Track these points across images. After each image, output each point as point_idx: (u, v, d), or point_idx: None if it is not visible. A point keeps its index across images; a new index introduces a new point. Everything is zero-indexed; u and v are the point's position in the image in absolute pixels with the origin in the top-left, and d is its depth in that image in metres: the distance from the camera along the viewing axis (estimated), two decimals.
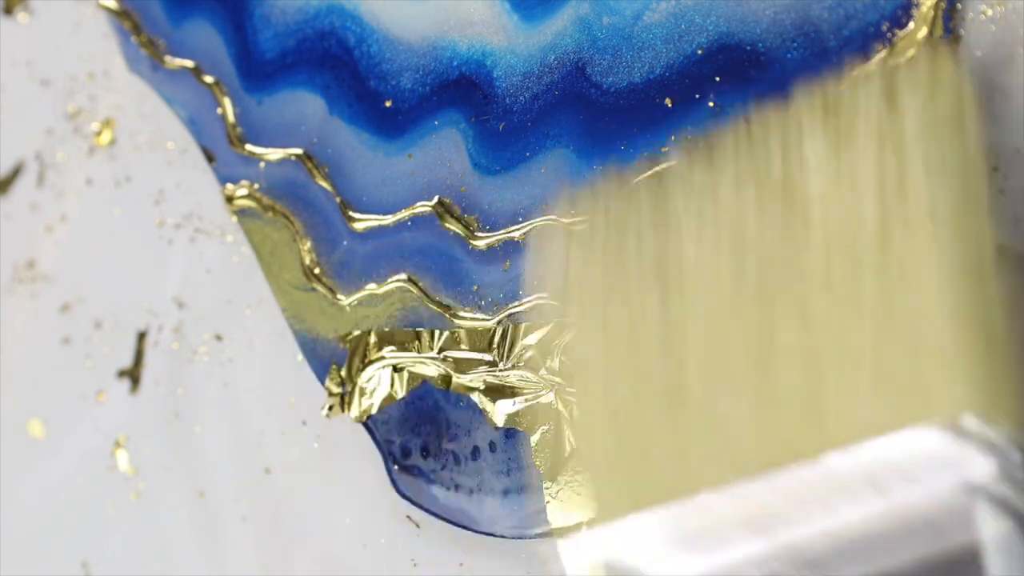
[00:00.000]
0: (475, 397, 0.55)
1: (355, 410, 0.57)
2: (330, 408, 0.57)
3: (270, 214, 0.59)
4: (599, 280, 0.48)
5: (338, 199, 0.58)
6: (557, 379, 0.53)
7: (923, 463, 0.42)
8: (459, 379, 0.55)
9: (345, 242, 0.58)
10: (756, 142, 0.46)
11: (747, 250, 0.45)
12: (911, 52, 0.47)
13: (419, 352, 0.56)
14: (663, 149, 0.52)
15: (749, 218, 0.45)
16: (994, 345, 0.42)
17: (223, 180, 0.60)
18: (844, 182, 0.44)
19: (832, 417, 0.43)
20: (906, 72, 0.45)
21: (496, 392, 0.55)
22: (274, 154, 0.59)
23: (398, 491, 0.56)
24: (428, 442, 0.56)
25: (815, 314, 0.43)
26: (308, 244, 0.59)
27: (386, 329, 0.57)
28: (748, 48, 0.51)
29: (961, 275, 0.42)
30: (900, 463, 0.42)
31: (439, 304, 0.56)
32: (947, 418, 0.42)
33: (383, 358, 0.57)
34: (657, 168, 0.50)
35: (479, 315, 0.55)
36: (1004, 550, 0.41)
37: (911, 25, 0.49)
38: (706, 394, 0.45)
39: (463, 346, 0.55)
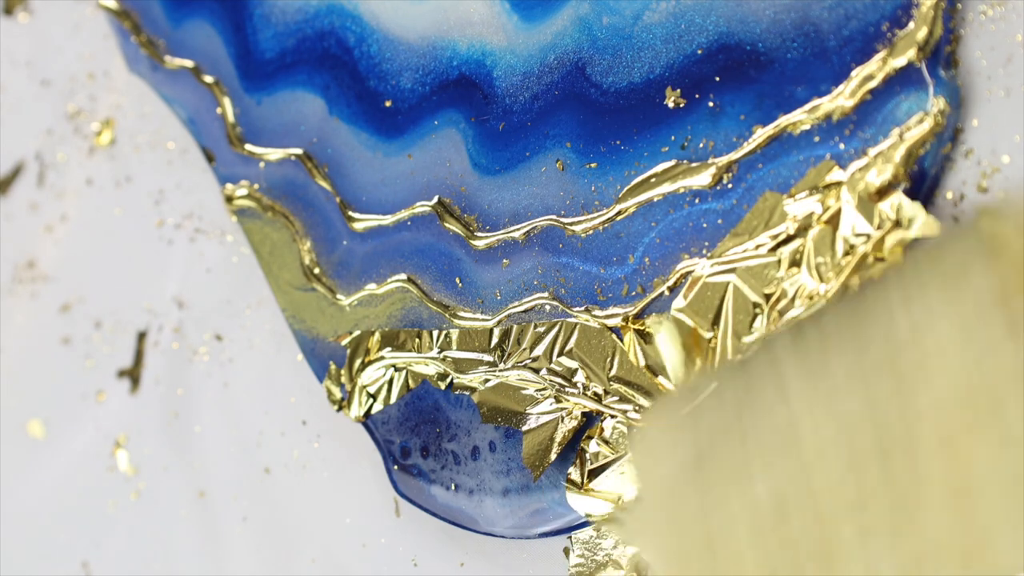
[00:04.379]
0: (475, 397, 0.55)
1: (355, 410, 0.57)
2: (339, 409, 0.57)
3: (270, 214, 0.59)
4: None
5: (338, 199, 0.58)
6: (558, 379, 0.53)
7: None
8: (459, 379, 0.55)
9: (345, 242, 0.58)
10: None
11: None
12: None
13: (419, 352, 0.56)
14: (663, 149, 0.52)
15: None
16: None
17: (223, 180, 0.60)
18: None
19: None
20: None
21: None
22: (274, 154, 0.59)
23: (398, 491, 0.56)
24: (428, 442, 0.56)
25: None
26: (308, 244, 0.59)
27: (386, 329, 0.57)
28: (748, 48, 0.51)
29: None
30: None
31: (439, 304, 0.56)
32: None
33: (383, 358, 0.57)
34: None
35: (479, 315, 0.55)
36: None
37: (911, 25, 0.49)
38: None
39: (463, 346, 0.55)
